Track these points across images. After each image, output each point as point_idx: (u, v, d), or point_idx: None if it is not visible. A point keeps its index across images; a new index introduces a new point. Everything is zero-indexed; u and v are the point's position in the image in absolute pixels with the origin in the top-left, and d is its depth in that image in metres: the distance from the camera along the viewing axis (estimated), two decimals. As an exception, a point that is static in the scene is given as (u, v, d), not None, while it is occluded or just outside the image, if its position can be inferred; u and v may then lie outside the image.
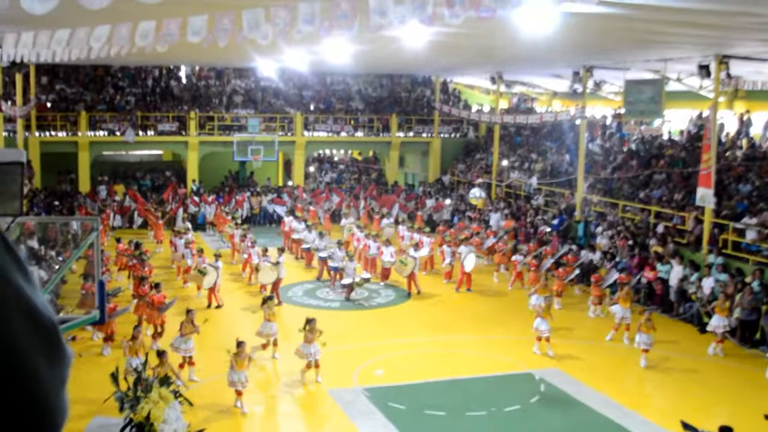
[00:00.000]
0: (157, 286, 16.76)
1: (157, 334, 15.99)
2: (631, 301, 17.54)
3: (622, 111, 26.19)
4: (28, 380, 0.96)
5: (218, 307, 19.05)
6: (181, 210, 29.26)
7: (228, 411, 12.71)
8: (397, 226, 26.15)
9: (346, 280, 20.32)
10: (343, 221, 27.35)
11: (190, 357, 14.11)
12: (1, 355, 0.94)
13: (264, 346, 15.50)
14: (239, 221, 27.57)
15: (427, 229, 25.12)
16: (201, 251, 21.03)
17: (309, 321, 14.15)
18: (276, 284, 19.54)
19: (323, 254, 22.10)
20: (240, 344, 12.82)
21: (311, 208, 29.98)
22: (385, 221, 27.41)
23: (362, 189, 33.96)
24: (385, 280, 21.91)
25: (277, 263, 19.74)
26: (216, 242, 26.70)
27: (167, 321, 16.29)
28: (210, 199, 30.75)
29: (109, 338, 15.54)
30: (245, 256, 22.09)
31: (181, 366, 13.85)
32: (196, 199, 30.62)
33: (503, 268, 22.95)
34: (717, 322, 16.15)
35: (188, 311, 14.52)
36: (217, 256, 20.34)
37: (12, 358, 0.95)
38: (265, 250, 20.99)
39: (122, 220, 29.56)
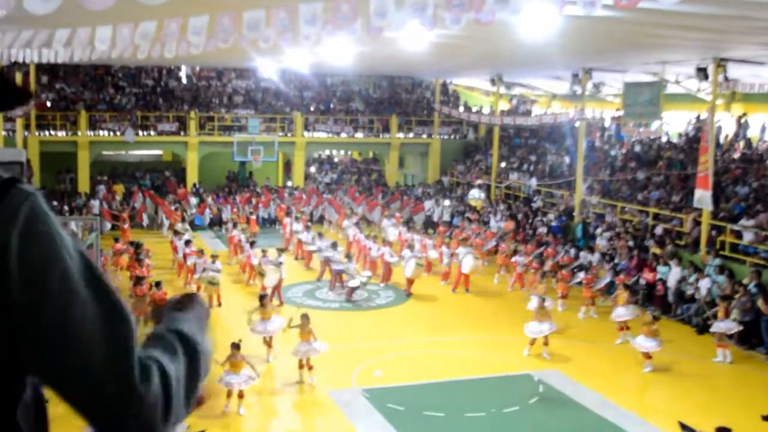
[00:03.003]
0: (158, 284, 16.75)
1: None
2: (627, 303, 17.55)
3: (621, 113, 26.30)
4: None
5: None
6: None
7: (227, 411, 12.75)
8: (398, 227, 26.24)
9: (353, 282, 20.32)
10: (345, 222, 27.22)
11: None
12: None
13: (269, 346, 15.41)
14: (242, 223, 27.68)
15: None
16: (201, 251, 21.02)
17: (302, 316, 14.23)
18: (278, 285, 19.66)
19: (325, 255, 22.21)
20: (234, 346, 12.77)
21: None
22: (385, 222, 27.43)
23: (343, 191, 33.98)
24: (387, 281, 21.96)
25: (279, 264, 19.84)
26: (215, 242, 26.75)
27: None
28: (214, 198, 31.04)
29: None
30: (242, 256, 22.26)
31: None
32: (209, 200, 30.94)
33: (503, 269, 22.99)
34: (723, 325, 16.04)
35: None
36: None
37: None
38: (265, 252, 21.04)
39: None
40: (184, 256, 21.24)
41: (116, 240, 23.03)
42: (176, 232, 23.66)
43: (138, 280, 17.24)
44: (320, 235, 23.98)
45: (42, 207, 1.27)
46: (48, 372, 1.26)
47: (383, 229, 26.54)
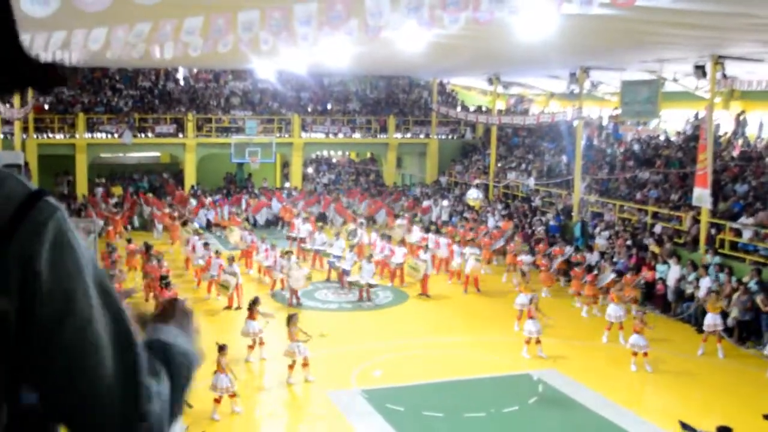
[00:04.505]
0: (167, 284, 16.88)
1: None
2: (627, 301, 17.61)
3: (619, 111, 26.26)
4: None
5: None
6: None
7: (225, 413, 12.69)
8: (411, 227, 26.21)
9: (361, 279, 20.25)
10: (351, 225, 27.06)
11: None
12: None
13: (251, 347, 15.43)
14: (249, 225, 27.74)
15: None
16: (218, 252, 21.06)
17: (290, 317, 14.21)
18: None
19: (333, 255, 22.20)
20: (222, 348, 12.70)
21: (293, 210, 29.90)
22: (398, 221, 27.41)
23: (342, 191, 33.94)
24: (396, 280, 21.87)
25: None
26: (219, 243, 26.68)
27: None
28: (211, 201, 30.97)
29: None
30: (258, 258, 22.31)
31: None
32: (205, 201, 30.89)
33: (507, 269, 22.92)
34: (711, 321, 16.16)
35: None
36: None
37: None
38: (287, 253, 21.06)
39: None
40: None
41: (129, 241, 23.06)
42: (196, 232, 23.88)
43: (162, 280, 17.43)
44: (337, 235, 23.81)
45: (68, 222, 1.27)
46: (52, 386, 1.24)
47: (401, 230, 26.37)
